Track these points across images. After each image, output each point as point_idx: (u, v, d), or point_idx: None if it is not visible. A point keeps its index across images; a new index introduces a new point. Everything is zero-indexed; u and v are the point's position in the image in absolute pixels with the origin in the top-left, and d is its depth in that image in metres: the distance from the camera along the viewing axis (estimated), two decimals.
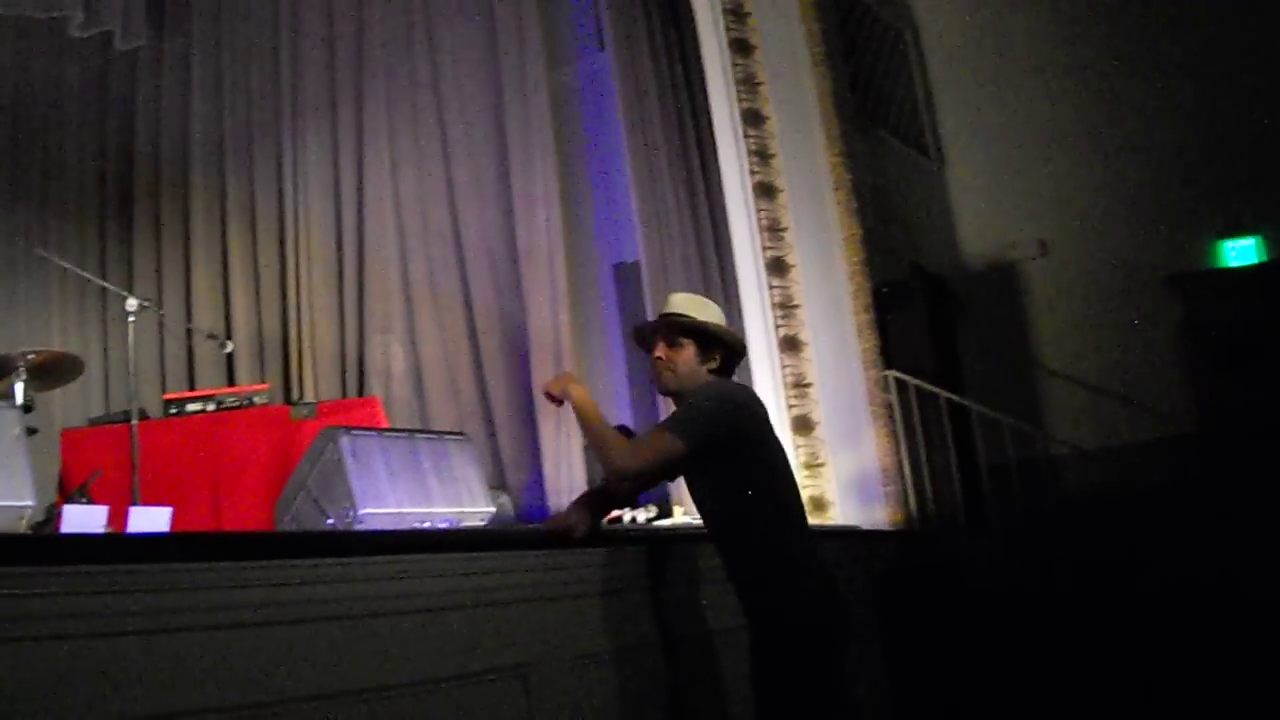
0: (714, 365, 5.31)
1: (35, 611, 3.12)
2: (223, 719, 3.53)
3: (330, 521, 6.52)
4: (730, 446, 5.06)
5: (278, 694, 3.70)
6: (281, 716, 3.72)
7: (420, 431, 8.14)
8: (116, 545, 3.66)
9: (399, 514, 6.55)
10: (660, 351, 5.32)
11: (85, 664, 3.20)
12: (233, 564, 3.68)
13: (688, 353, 5.27)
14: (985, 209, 15.11)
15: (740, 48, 11.32)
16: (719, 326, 5.37)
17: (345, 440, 6.65)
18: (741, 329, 10.97)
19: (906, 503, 10.76)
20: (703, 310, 5.39)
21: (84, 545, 3.55)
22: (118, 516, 7.14)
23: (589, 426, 5.13)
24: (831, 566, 5.30)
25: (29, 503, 5.88)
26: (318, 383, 12.03)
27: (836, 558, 8.21)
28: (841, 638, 5.15)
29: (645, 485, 5.33)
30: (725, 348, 5.36)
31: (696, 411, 5.09)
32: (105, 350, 11.87)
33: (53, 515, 7.53)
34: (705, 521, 5.36)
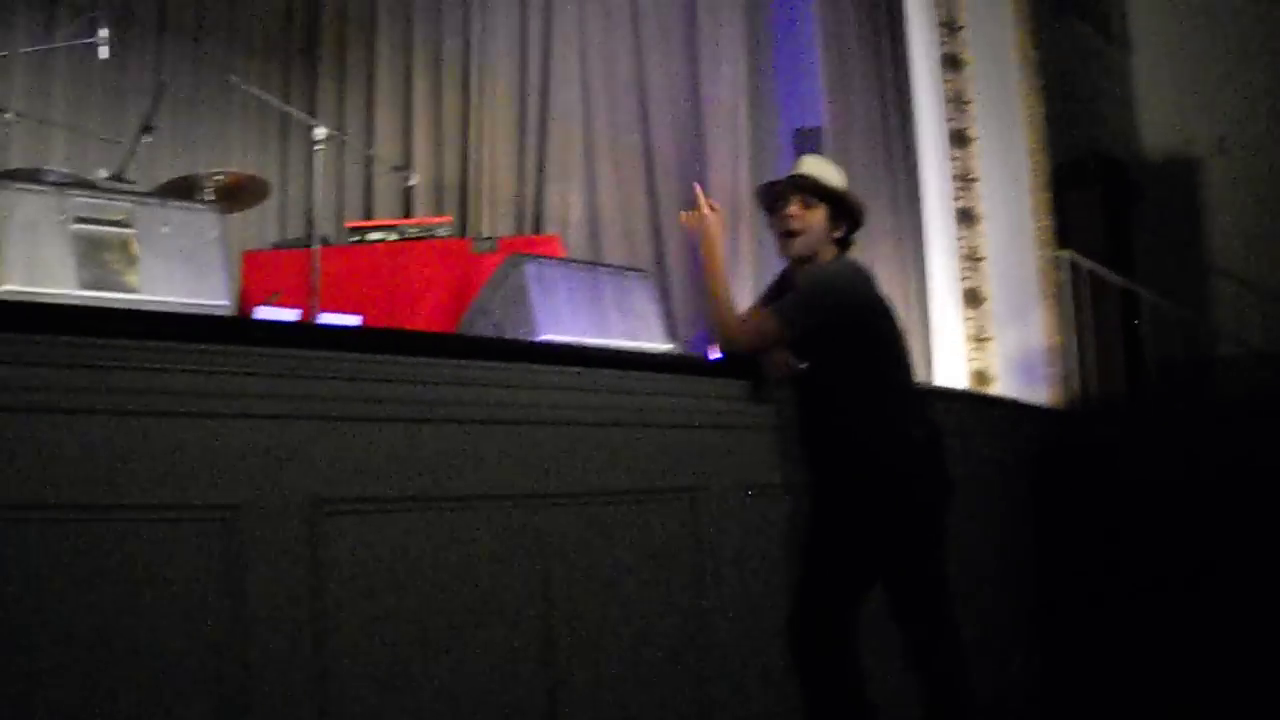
0: (839, 234, 5.25)
1: (230, 389, 3.26)
2: (394, 508, 3.67)
3: None
4: (831, 332, 5.07)
5: (450, 491, 3.83)
6: (453, 512, 3.84)
7: (604, 265, 8.24)
8: (316, 333, 3.81)
9: (578, 342, 6.65)
10: (795, 210, 5.20)
11: (267, 443, 3.32)
12: (421, 359, 3.81)
13: (820, 216, 5.18)
14: (1168, 100, 14.92)
15: None
16: (851, 195, 5.29)
17: (530, 266, 6.74)
18: (920, 199, 11.01)
19: (1069, 385, 10.78)
20: (836, 177, 5.30)
21: (280, 330, 3.70)
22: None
23: (712, 277, 5.20)
24: (939, 431, 5.38)
25: (224, 302, 6.06)
26: (494, 220, 12.17)
27: (996, 427, 8.28)
28: (932, 492, 5.26)
29: (747, 356, 5.28)
30: (852, 218, 5.28)
31: (805, 300, 5.11)
32: (284, 179, 12.03)
33: None
34: (809, 383, 5.29)
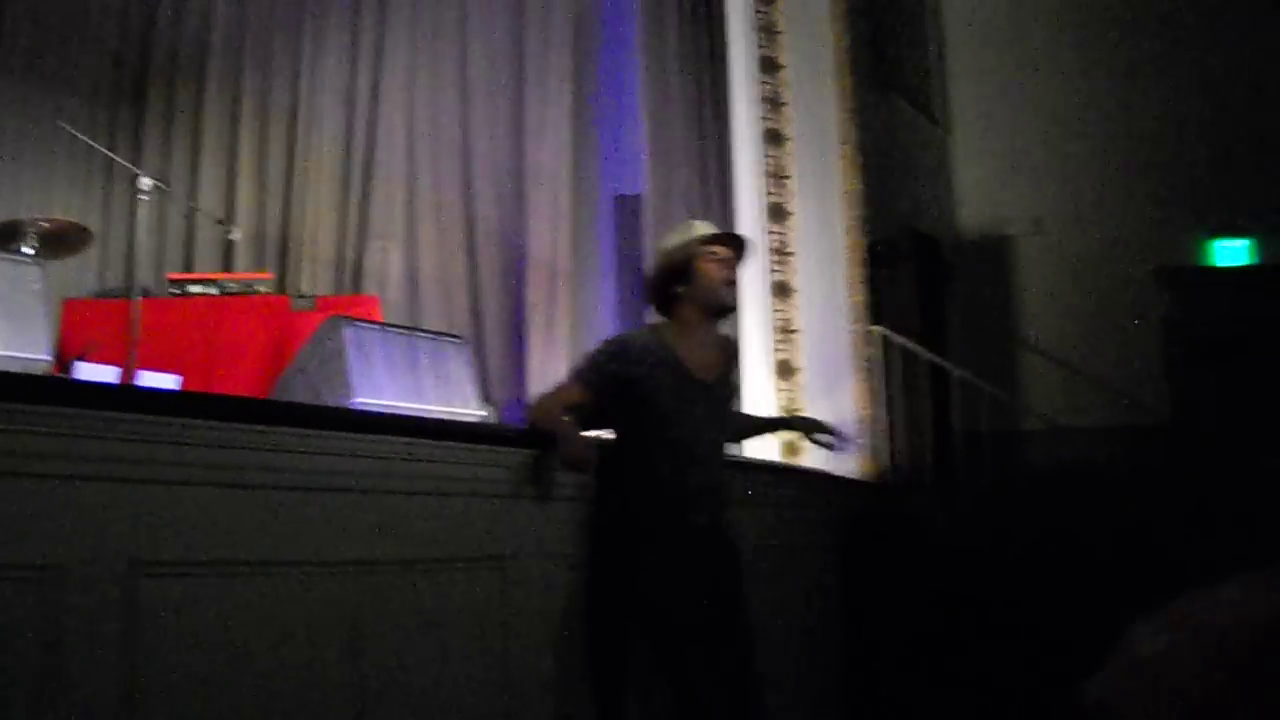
0: None
1: (47, 450, 3.28)
2: (210, 573, 3.70)
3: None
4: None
5: (266, 556, 3.87)
6: (267, 577, 3.88)
7: (420, 330, 8.29)
8: (135, 396, 3.84)
9: (392, 407, 6.68)
10: (739, 271, 5.70)
11: (87, 504, 3.36)
12: (239, 425, 3.85)
13: None
14: (985, 180, 15.23)
15: None
16: None
17: (348, 330, 6.78)
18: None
19: (878, 457, 10.95)
20: None
21: (104, 393, 3.73)
22: (126, 380, 7.33)
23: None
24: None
25: (44, 356, 6.04)
26: (315, 280, 12.14)
27: (803, 500, 8.42)
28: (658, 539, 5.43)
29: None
30: None
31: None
32: (107, 226, 11.92)
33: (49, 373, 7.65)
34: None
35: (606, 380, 5.50)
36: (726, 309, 5.70)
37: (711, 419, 5.60)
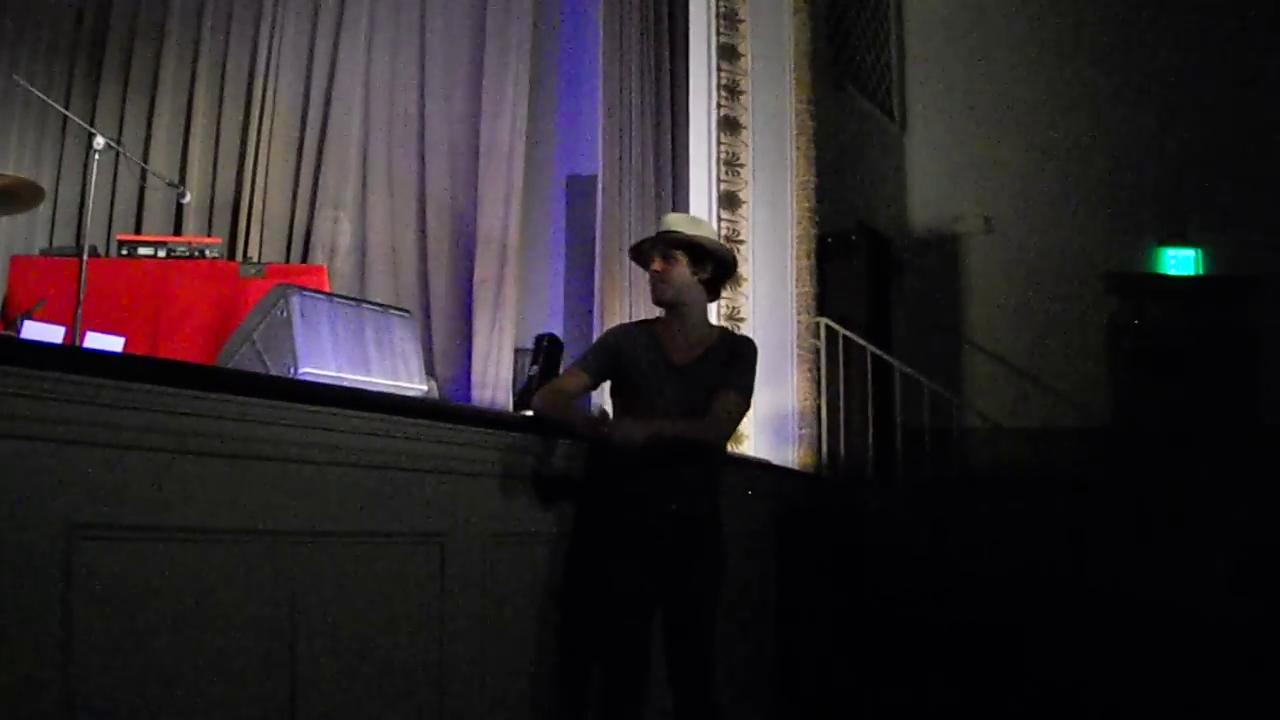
0: (705, 276, 5.72)
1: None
2: (148, 538, 3.69)
3: (271, 374, 6.64)
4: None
5: (205, 523, 3.85)
6: (205, 545, 3.86)
7: (368, 302, 8.28)
8: (80, 358, 3.82)
9: (337, 377, 6.68)
10: (657, 265, 5.71)
11: (26, 466, 3.32)
12: (182, 391, 3.83)
13: (680, 266, 5.67)
14: (938, 179, 15.31)
15: None
16: (708, 239, 5.77)
17: (296, 299, 6.77)
18: None
19: (819, 448, 10.99)
20: (694, 226, 5.83)
21: (49, 353, 3.71)
22: (71, 340, 7.30)
23: (686, 438, 5.54)
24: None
25: None
26: (263, 247, 12.06)
27: (742, 486, 8.43)
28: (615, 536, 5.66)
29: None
30: (715, 260, 5.74)
31: (751, 370, 5.80)
32: (58, 184, 11.87)
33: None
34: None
35: (605, 364, 5.78)
36: (656, 303, 5.86)
37: (680, 402, 5.61)
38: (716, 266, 5.76)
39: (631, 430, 5.39)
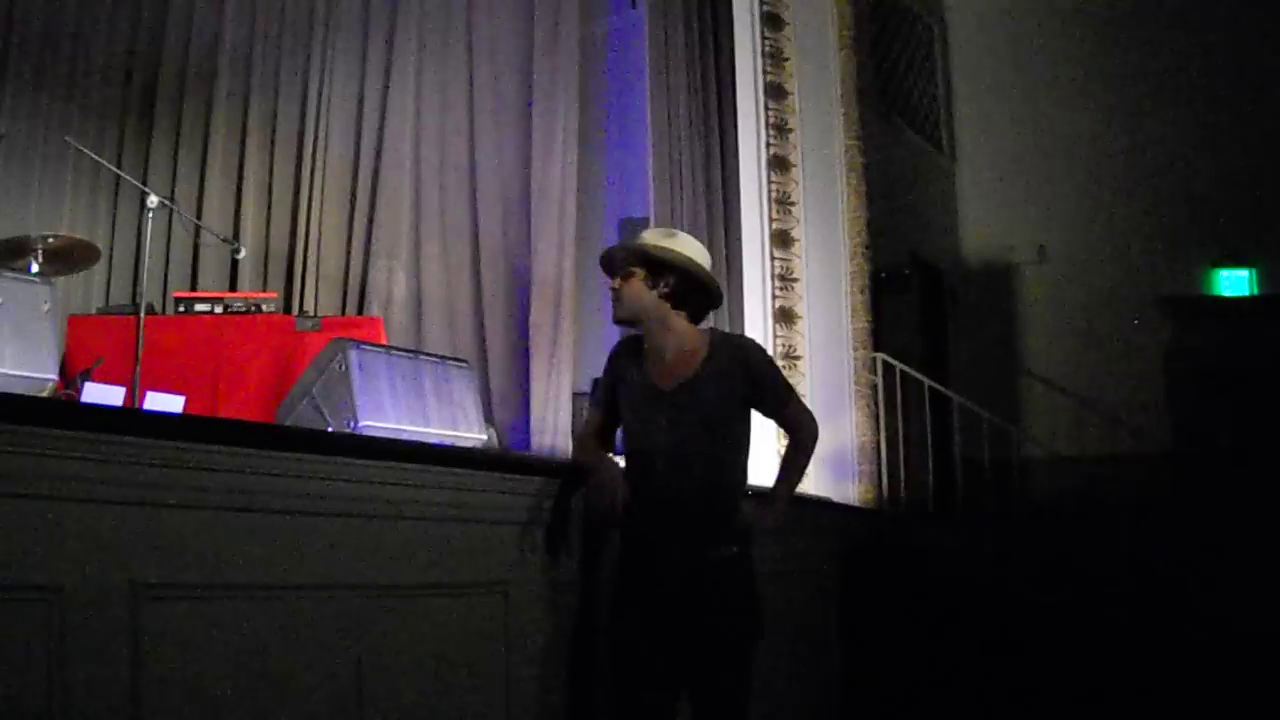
0: (665, 291, 5.17)
1: (52, 472, 3.31)
2: (214, 596, 3.71)
3: (330, 429, 6.68)
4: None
5: (269, 580, 3.88)
6: (271, 601, 3.89)
7: (425, 353, 8.28)
8: (140, 421, 3.86)
9: (397, 429, 6.69)
10: (614, 282, 5.31)
11: (91, 527, 3.38)
12: (242, 449, 3.87)
13: (635, 281, 5.20)
14: (990, 208, 15.28)
15: (772, 21, 11.51)
16: (663, 249, 5.21)
17: (354, 352, 6.78)
18: (741, 296, 11.15)
19: (879, 483, 10.97)
20: (666, 240, 5.29)
21: (110, 416, 3.74)
22: (131, 399, 7.35)
23: (797, 478, 5.49)
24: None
25: (51, 376, 6.07)
26: (318, 300, 12.09)
27: (803, 526, 8.42)
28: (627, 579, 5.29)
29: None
30: (677, 274, 5.16)
31: (775, 371, 5.51)
32: (113, 242, 11.94)
33: (56, 393, 7.66)
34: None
35: (609, 393, 5.49)
36: (617, 322, 5.47)
37: (674, 434, 5.15)
38: (681, 281, 5.17)
39: (771, 519, 5.29)
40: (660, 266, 5.18)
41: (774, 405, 5.38)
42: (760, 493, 5.59)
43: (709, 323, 5.52)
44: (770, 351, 10.63)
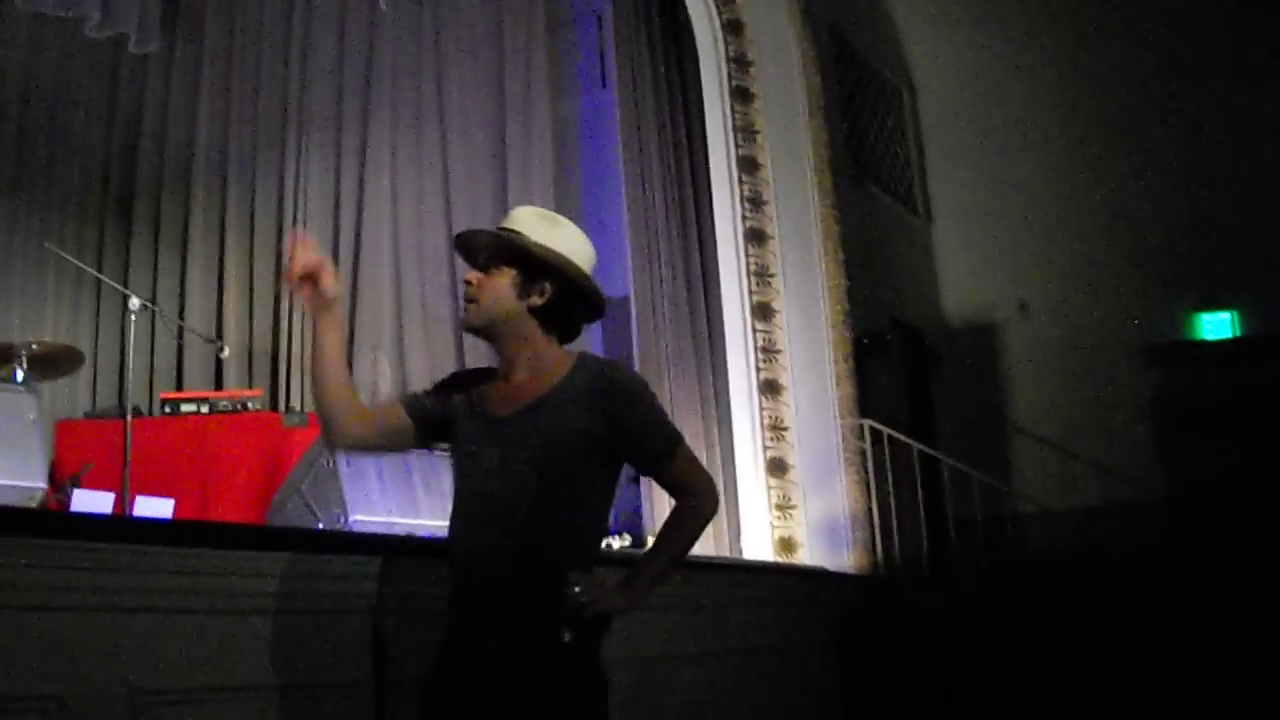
0: (537, 303, 3.98)
1: (45, 582, 3.34)
2: (211, 699, 3.74)
3: (321, 525, 6.70)
4: None
5: (267, 680, 3.91)
6: (268, 702, 3.91)
7: None
8: (130, 528, 3.89)
9: (388, 523, 6.72)
10: (470, 275, 4.10)
11: (89, 635, 3.41)
12: (234, 552, 3.89)
13: (499, 280, 4.01)
14: (968, 268, 15.31)
15: (741, 95, 11.58)
16: (546, 250, 4.02)
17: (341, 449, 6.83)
18: (725, 370, 11.19)
19: (874, 549, 10.96)
20: (548, 228, 4.10)
21: (100, 525, 3.77)
22: (121, 504, 7.37)
23: (678, 554, 4.15)
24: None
25: (40, 484, 6.13)
26: (304, 392, 12.13)
27: (800, 597, 8.44)
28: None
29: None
30: (558, 282, 4.00)
31: (655, 405, 4.11)
32: (96, 346, 11.99)
33: (46, 501, 7.70)
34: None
35: (436, 403, 4.20)
36: (469, 330, 4.20)
37: (504, 470, 3.88)
38: (560, 292, 4.01)
39: (622, 601, 3.92)
40: (539, 269, 4.00)
41: (647, 457, 4.05)
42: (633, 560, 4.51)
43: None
44: (756, 423, 10.66)
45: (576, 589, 3.75)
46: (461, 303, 4.19)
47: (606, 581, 3.89)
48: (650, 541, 10.24)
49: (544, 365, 4.01)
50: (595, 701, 3.82)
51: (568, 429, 3.88)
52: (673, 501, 4.09)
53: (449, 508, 4.03)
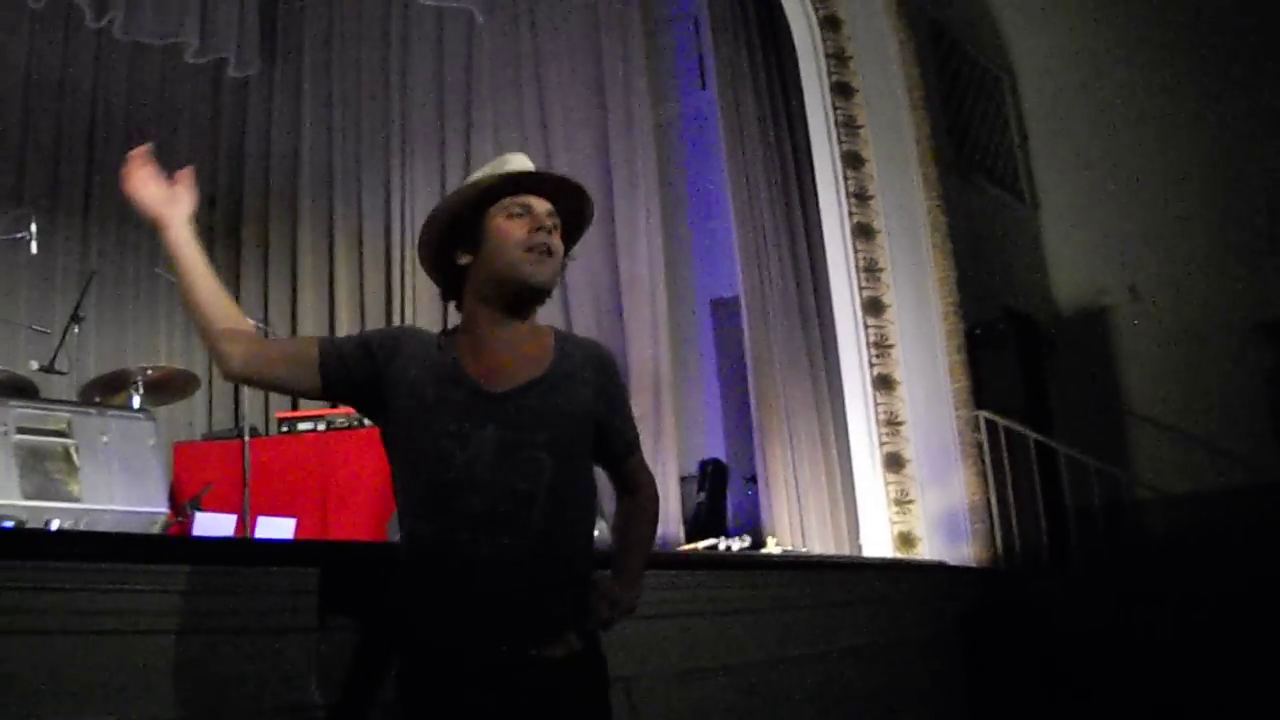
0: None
1: (169, 608, 3.41)
2: None
3: None
4: None
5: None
6: None
7: None
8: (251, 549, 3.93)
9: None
10: (551, 219, 3.70)
11: (223, 658, 3.49)
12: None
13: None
14: (1077, 253, 15.19)
15: (841, 90, 11.54)
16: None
17: None
18: (838, 366, 11.18)
19: (993, 541, 10.89)
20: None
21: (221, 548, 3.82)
22: (242, 526, 7.44)
23: (648, 552, 3.91)
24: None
25: (162, 510, 6.19)
26: None
27: (921, 593, 8.40)
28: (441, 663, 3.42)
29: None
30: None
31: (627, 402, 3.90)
32: (210, 370, 12.12)
33: (168, 525, 7.78)
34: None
35: (358, 363, 3.68)
36: (529, 288, 3.61)
37: (509, 455, 3.43)
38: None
39: (627, 603, 3.62)
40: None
41: (620, 444, 3.77)
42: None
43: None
44: (871, 419, 10.64)
45: (603, 600, 3.50)
46: (536, 255, 3.60)
47: (615, 587, 3.59)
48: (771, 543, 10.27)
49: (539, 335, 3.71)
50: (606, 691, 3.61)
51: (580, 409, 3.58)
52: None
53: None
